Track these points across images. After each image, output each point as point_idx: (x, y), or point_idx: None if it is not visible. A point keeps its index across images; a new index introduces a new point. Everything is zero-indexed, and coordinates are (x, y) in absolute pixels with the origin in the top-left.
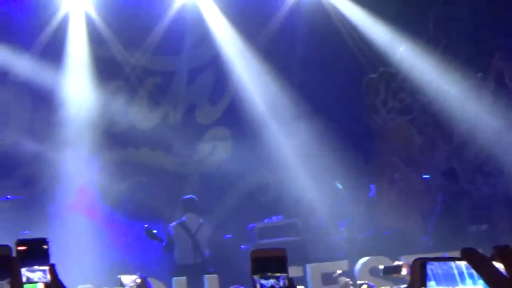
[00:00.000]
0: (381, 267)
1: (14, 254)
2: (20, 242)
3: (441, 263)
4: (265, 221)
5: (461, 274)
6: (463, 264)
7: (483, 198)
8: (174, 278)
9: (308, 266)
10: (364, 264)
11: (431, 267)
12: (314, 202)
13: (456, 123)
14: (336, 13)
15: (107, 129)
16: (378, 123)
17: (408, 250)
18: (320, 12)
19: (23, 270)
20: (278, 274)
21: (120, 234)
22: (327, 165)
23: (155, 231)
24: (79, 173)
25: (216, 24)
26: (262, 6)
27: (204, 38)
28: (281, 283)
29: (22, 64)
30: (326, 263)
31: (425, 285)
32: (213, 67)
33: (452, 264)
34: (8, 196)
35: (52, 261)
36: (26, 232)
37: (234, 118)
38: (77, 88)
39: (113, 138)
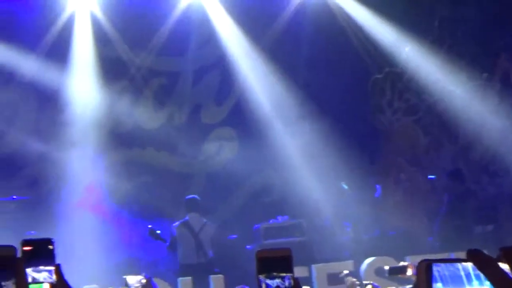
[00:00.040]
0: (386, 267)
1: (19, 254)
2: (26, 242)
3: (448, 264)
4: (271, 221)
5: (467, 275)
6: (469, 265)
7: (489, 198)
8: (180, 279)
9: (313, 266)
10: (369, 265)
11: (438, 269)
12: (319, 202)
13: (461, 123)
14: (341, 14)
15: (113, 129)
16: (383, 124)
17: (413, 251)
18: (326, 12)
19: (29, 271)
20: (284, 274)
21: (126, 234)
22: (332, 165)
23: (158, 232)
24: (84, 173)
25: (222, 25)
26: (267, 6)
27: (209, 39)
28: (287, 283)
29: (28, 64)
30: (331, 263)
31: (431, 286)
32: (218, 68)
33: (459, 265)
34: (14, 196)
35: (57, 261)
36: (32, 232)
37: (240, 118)
38: (83, 88)
39: (119, 138)
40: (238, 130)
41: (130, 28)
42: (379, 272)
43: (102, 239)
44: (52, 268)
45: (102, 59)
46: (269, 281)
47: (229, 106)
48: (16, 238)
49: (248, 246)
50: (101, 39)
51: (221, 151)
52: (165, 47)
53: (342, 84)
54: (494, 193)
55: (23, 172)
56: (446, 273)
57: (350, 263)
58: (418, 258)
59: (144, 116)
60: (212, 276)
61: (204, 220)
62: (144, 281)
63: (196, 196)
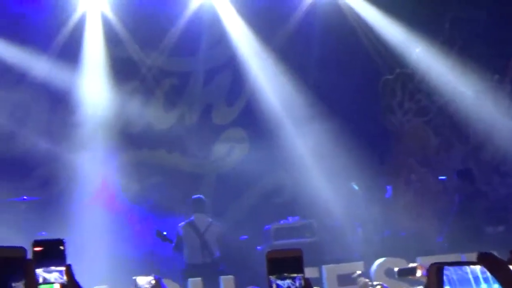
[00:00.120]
0: (396, 269)
1: (30, 254)
2: (37, 243)
3: (456, 267)
4: (281, 222)
5: (476, 278)
6: (478, 268)
7: (500, 199)
8: (190, 279)
9: (324, 267)
10: (380, 265)
11: (446, 272)
12: (330, 203)
13: (472, 124)
14: (352, 14)
15: (124, 130)
16: (394, 124)
17: (424, 252)
18: (336, 13)
19: (40, 271)
20: (295, 275)
21: (137, 233)
22: (343, 166)
23: (165, 233)
24: (95, 174)
25: (233, 25)
26: (278, 6)
27: (220, 39)
28: (298, 284)
29: (39, 65)
30: (342, 264)
31: None
32: (229, 68)
33: (467, 268)
34: (25, 197)
35: (68, 261)
36: (42, 233)
37: (251, 118)
38: (94, 89)
39: (130, 138)
40: (249, 131)
41: (141, 29)
42: (389, 273)
43: (113, 240)
44: (63, 268)
45: (113, 59)
46: (279, 282)
47: (240, 106)
48: (26, 239)
49: (258, 247)
50: (112, 40)
51: (231, 152)
52: (176, 48)
53: (353, 85)
54: (505, 194)
55: (34, 173)
56: (455, 276)
57: (360, 264)
58: (429, 259)
59: (155, 117)
60: (222, 277)
61: (210, 220)
62: (153, 282)
63: (201, 196)
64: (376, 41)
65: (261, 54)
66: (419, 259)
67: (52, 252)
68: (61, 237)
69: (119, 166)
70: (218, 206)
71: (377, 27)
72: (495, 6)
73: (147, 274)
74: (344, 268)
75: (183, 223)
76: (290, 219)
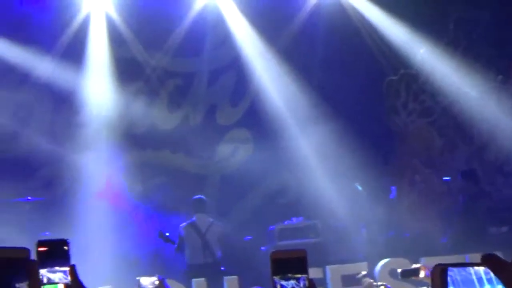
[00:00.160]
0: (399, 270)
1: (34, 255)
2: (41, 243)
3: (460, 269)
4: (285, 222)
5: (479, 279)
6: (481, 269)
7: (503, 199)
8: (194, 280)
9: (328, 267)
10: (384, 266)
11: (450, 273)
12: (334, 204)
13: (476, 125)
14: (356, 15)
15: (128, 131)
16: (398, 125)
17: (428, 252)
18: (340, 13)
19: (44, 271)
20: (299, 275)
21: (141, 235)
22: (347, 166)
23: (167, 234)
24: (100, 174)
25: (237, 26)
26: (282, 7)
27: (224, 40)
28: (302, 284)
29: (43, 65)
30: (346, 265)
31: None
32: (233, 69)
33: (471, 269)
34: (29, 197)
35: (72, 262)
36: (46, 233)
37: (255, 119)
38: (98, 89)
39: (134, 139)
40: (253, 131)
41: (145, 29)
42: (393, 273)
43: (117, 240)
44: (67, 268)
45: (117, 60)
46: (284, 282)
47: (244, 107)
48: (31, 239)
49: (262, 247)
50: (116, 40)
51: (236, 153)
52: (180, 48)
53: (357, 85)
54: (509, 194)
55: (38, 173)
56: (458, 277)
57: (364, 264)
58: (433, 260)
59: (159, 117)
60: (226, 278)
61: (211, 220)
62: (157, 282)
63: (202, 196)
64: (380, 42)
65: (265, 54)
66: (423, 259)
67: (56, 252)
68: (65, 237)
69: (123, 167)
70: (223, 206)
71: (381, 28)
72: (499, 7)
73: (151, 274)
74: (348, 268)
75: (184, 223)
76: (294, 219)
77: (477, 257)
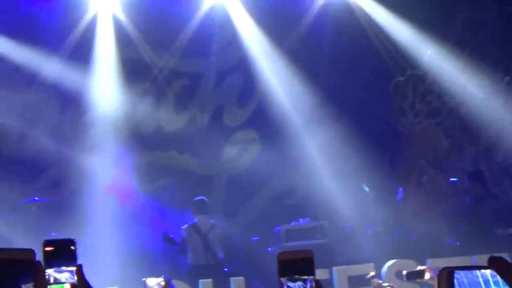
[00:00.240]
0: (404, 272)
1: (41, 254)
2: (48, 243)
3: (467, 271)
4: (292, 223)
5: (486, 282)
6: (488, 272)
7: (510, 201)
8: (201, 280)
9: (334, 268)
10: (390, 267)
11: (457, 276)
12: (341, 205)
13: (483, 126)
14: (363, 16)
15: (135, 131)
16: (405, 126)
17: (435, 253)
18: (348, 14)
19: (51, 271)
20: (305, 277)
21: (147, 236)
22: (354, 167)
23: (171, 236)
24: (106, 175)
25: (244, 26)
26: (289, 8)
27: (232, 40)
28: (308, 286)
29: (50, 66)
30: (352, 266)
31: None
32: (241, 69)
33: (478, 272)
34: (36, 198)
35: (79, 262)
36: (53, 234)
37: (262, 120)
38: (105, 90)
39: (141, 140)
40: (260, 132)
41: (152, 30)
42: (399, 275)
43: (124, 240)
44: (73, 268)
45: (124, 60)
46: (290, 284)
47: (251, 108)
48: (37, 240)
49: (269, 248)
50: (123, 41)
51: (243, 154)
52: (187, 49)
53: (364, 86)
54: None
55: (45, 174)
56: (465, 280)
57: (371, 265)
58: (440, 261)
59: (166, 118)
60: (232, 278)
61: (213, 221)
62: (163, 283)
63: (204, 197)
64: (387, 43)
65: (272, 55)
66: (429, 261)
67: (63, 252)
68: (71, 238)
69: (130, 167)
70: (229, 207)
71: (388, 28)
72: (505, 8)
73: (157, 275)
74: (354, 269)
75: (186, 225)
76: (300, 220)
77: (483, 258)
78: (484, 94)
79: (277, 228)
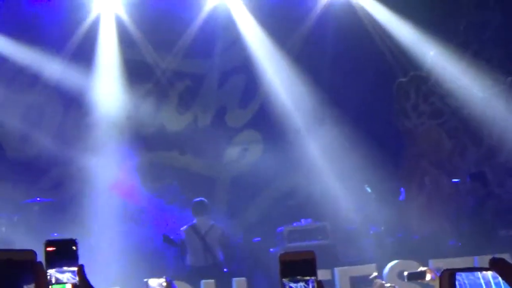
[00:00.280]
0: (405, 273)
1: (43, 254)
2: (49, 243)
3: (468, 273)
4: (294, 224)
5: (487, 283)
6: (489, 274)
7: None
8: (203, 281)
9: (336, 269)
10: (392, 268)
11: (458, 278)
12: (343, 205)
13: (486, 127)
14: (366, 17)
15: (137, 132)
16: (408, 127)
17: (437, 254)
18: (350, 15)
19: (52, 271)
20: (307, 278)
21: (149, 236)
22: (356, 168)
23: (172, 237)
24: (109, 175)
25: (247, 27)
26: (292, 9)
27: (235, 41)
28: (310, 286)
29: (53, 67)
30: (354, 266)
31: None
32: (243, 70)
33: (479, 274)
34: (38, 199)
35: (81, 262)
36: (55, 234)
37: (265, 121)
38: (108, 91)
39: (143, 141)
40: (262, 133)
41: (155, 31)
42: (401, 275)
43: (126, 241)
44: (75, 269)
45: (127, 61)
46: (292, 285)
47: (254, 109)
48: (39, 240)
49: (271, 249)
50: (126, 42)
51: (245, 154)
52: (190, 50)
53: (367, 87)
54: None
55: (47, 175)
56: (466, 281)
57: (373, 266)
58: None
59: (169, 119)
60: (235, 279)
61: (212, 222)
62: (165, 284)
63: (203, 198)
64: (390, 44)
65: (275, 56)
66: (431, 261)
67: (65, 252)
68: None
69: (133, 168)
70: (232, 208)
71: (391, 29)
72: (510, 9)
73: (159, 276)
74: (356, 270)
75: (185, 226)
76: (303, 221)
77: (485, 259)
78: (487, 95)
79: (279, 229)
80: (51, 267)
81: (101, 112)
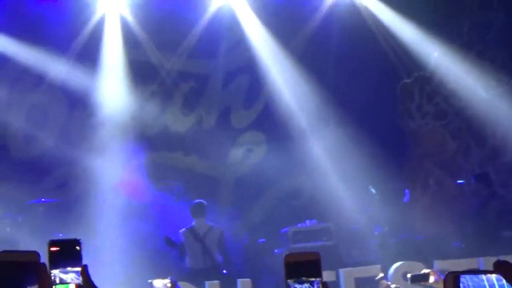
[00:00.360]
0: (409, 275)
1: (46, 254)
2: (53, 243)
3: (472, 275)
4: (299, 225)
5: (491, 286)
6: (494, 276)
7: None
8: (207, 282)
9: (341, 270)
10: (397, 269)
11: (463, 280)
12: (347, 206)
13: (490, 128)
14: (370, 17)
15: (142, 133)
16: (412, 127)
17: (441, 255)
18: (355, 16)
19: (56, 272)
20: (312, 279)
21: (153, 237)
22: (360, 169)
23: (174, 239)
24: (113, 176)
25: (251, 28)
26: (296, 9)
27: (239, 42)
28: None
29: (57, 67)
30: (359, 267)
31: None
32: (248, 71)
33: (483, 276)
34: (43, 199)
35: (85, 263)
36: (60, 235)
37: (269, 121)
38: (112, 91)
39: (147, 141)
40: (267, 134)
41: (160, 31)
42: (406, 277)
43: (130, 241)
44: (79, 269)
45: (132, 62)
46: (297, 286)
47: (258, 109)
48: (44, 241)
49: (276, 250)
50: (131, 42)
51: (249, 155)
52: (194, 50)
53: (371, 87)
54: None
55: (52, 175)
56: (471, 284)
57: (377, 267)
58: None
59: (173, 119)
60: (240, 280)
61: (210, 224)
62: (169, 285)
63: (202, 200)
64: (394, 44)
65: (280, 56)
66: (436, 263)
67: (68, 252)
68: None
69: (137, 168)
70: (236, 209)
71: (395, 30)
72: None
73: (163, 277)
74: (361, 271)
75: (184, 229)
76: (307, 222)
77: (490, 260)
78: (491, 95)
79: (284, 230)
80: (55, 268)
81: (105, 113)
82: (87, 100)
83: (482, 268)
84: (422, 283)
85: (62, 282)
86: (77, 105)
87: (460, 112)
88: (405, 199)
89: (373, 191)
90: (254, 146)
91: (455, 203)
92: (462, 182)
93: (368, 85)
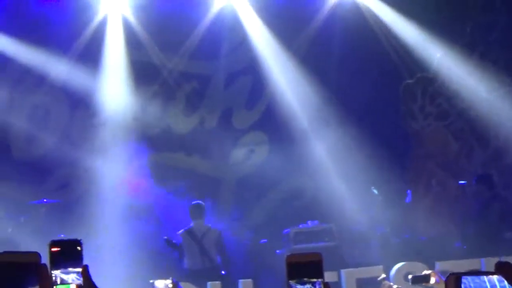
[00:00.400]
0: (410, 276)
1: (47, 255)
2: (54, 243)
3: (474, 277)
4: (300, 225)
5: (493, 287)
6: (495, 277)
7: None
8: (209, 283)
9: (343, 271)
10: (399, 270)
11: (465, 281)
12: (349, 207)
13: (492, 129)
14: (373, 18)
15: (144, 133)
16: (414, 128)
17: (443, 256)
18: (357, 16)
19: (57, 272)
20: (314, 280)
21: (155, 238)
22: (362, 169)
23: (174, 241)
24: (115, 176)
25: (254, 28)
26: (299, 10)
27: (241, 42)
28: None
29: (59, 68)
30: (361, 268)
31: None
32: (250, 71)
33: (485, 278)
34: (45, 200)
35: (86, 263)
36: (62, 236)
37: (271, 122)
38: (114, 92)
39: (149, 142)
40: (269, 134)
41: (162, 32)
42: (408, 277)
43: (132, 242)
44: (80, 269)
45: (134, 62)
46: (299, 286)
47: (260, 110)
48: (46, 242)
49: (278, 251)
50: (133, 43)
51: (251, 156)
52: (197, 51)
53: (373, 88)
54: None
55: (54, 176)
56: (472, 285)
57: (379, 268)
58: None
59: (175, 120)
60: (241, 281)
61: (208, 226)
62: (171, 285)
63: (200, 201)
64: (397, 45)
65: (282, 57)
66: (438, 263)
67: (69, 253)
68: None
69: (139, 169)
70: (238, 209)
71: (397, 31)
72: None
73: (165, 277)
74: (363, 272)
75: (182, 230)
76: (309, 223)
77: (492, 261)
78: (494, 96)
79: (286, 231)
80: (56, 268)
81: (107, 113)
82: (89, 100)
83: (484, 269)
84: (423, 284)
85: (63, 282)
86: (79, 106)
87: (462, 113)
88: (407, 199)
89: (375, 192)
90: (256, 146)
91: (457, 204)
92: (464, 183)
93: (370, 86)
